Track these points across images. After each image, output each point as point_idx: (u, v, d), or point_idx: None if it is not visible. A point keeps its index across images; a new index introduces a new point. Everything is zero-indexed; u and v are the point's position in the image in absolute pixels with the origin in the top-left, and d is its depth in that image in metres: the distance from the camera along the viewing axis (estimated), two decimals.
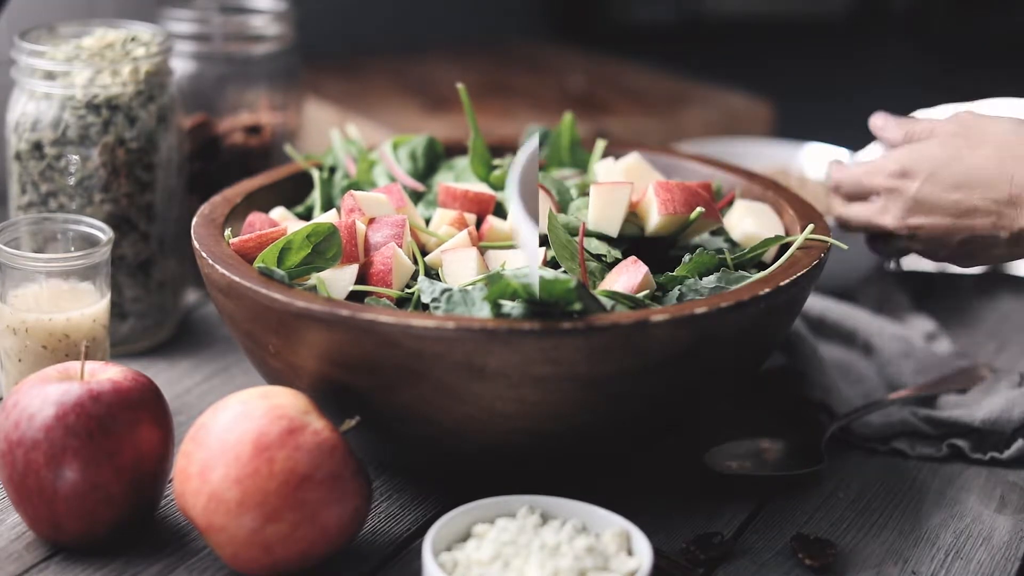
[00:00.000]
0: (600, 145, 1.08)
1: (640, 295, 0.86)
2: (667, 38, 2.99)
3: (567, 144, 1.09)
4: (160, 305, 1.11)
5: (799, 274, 0.87)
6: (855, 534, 0.88)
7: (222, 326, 1.13)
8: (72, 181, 1.06)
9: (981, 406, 0.99)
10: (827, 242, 0.92)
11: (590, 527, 0.80)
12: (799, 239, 0.92)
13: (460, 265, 0.90)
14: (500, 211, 1.00)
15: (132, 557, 0.83)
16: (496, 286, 0.80)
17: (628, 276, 0.87)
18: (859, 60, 3.29)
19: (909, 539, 0.88)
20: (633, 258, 0.89)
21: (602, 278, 0.90)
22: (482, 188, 1.01)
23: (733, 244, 0.96)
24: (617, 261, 0.91)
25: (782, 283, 0.85)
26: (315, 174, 1.04)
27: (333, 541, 0.79)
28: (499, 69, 1.77)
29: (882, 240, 1.03)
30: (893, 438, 0.99)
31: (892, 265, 1.16)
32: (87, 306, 0.97)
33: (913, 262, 1.24)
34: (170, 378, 1.05)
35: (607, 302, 0.84)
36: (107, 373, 0.84)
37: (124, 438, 0.81)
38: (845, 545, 0.87)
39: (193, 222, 0.94)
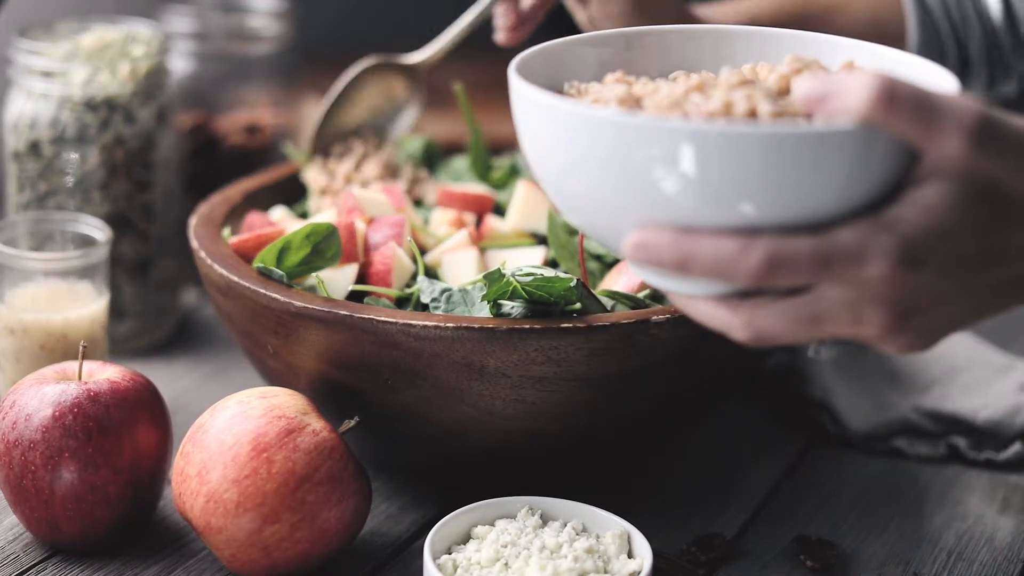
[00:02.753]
0: None
1: (640, 295, 0.86)
2: None
3: None
4: (159, 305, 1.11)
5: None
6: (857, 535, 0.88)
7: (221, 326, 1.13)
8: (70, 180, 1.05)
9: (987, 402, 0.99)
10: None
11: (590, 528, 0.80)
12: None
13: (460, 265, 0.89)
14: (499, 211, 1.00)
15: (130, 558, 0.82)
16: (496, 286, 0.79)
17: (629, 276, 0.87)
18: None
19: (911, 540, 0.88)
20: None
21: (602, 278, 0.90)
22: (481, 188, 1.01)
23: None
24: (617, 261, 0.91)
25: None
26: (305, 166, 1.04)
27: (332, 542, 0.79)
28: (499, 68, 1.77)
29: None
30: (892, 436, 0.98)
31: (824, 353, 0.73)
32: (85, 306, 0.97)
33: None
34: (168, 378, 1.04)
35: (607, 302, 0.84)
36: (105, 373, 0.84)
37: (122, 439, 0.80)
38: (847, 546, 0.87)
39: (191, 221, 0.94)
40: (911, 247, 0.62)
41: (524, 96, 0.69)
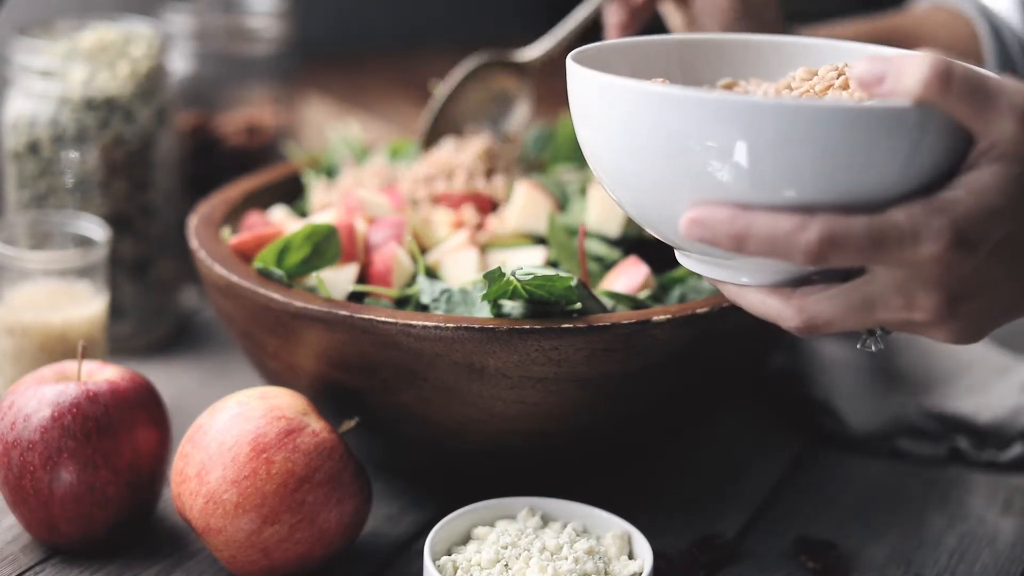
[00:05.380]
0: None
1: (641, 295, 0.85)
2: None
3: (567, 143, 1.08)
4: (158, 305, 1.11)
5: None
6: (858, 536, 0.88)
7: (220, 326, 1.13)
8: (70, 180, 1.05)
9: (989, 403, 0.99)
10: None
11: (591, 529, 0.79)
12: None
13: (460, 265, 0.89)
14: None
15: (129, 559, 0.82)
16: (496, 286, 0.79)
17: (629, 276, 0.87)
18: None
19: (912, 541, 0.87)
20: (634, 258, 0.88)
21: (602, 278, 0.90)
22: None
23: None
24: (616, 262, 0.91)
25: None
26: (309, 179, 1.04)
27: (332, 543, 0.78)
28: None
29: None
30: (894, 437, 0.98)
31: (873, 345, 0.72)
32: (84, 306, 0.96)
33: None
34: (168, 378, 1.04)
35: (608, 302, 0.84)
36: (104, 373, 0.83)
37: (121, 439, 0.80)
38: (848, 547, 0.86)
39: (191, 221, 0.94)
40: (964, 229, 0.62)
41: (584, 79, 0.69)
